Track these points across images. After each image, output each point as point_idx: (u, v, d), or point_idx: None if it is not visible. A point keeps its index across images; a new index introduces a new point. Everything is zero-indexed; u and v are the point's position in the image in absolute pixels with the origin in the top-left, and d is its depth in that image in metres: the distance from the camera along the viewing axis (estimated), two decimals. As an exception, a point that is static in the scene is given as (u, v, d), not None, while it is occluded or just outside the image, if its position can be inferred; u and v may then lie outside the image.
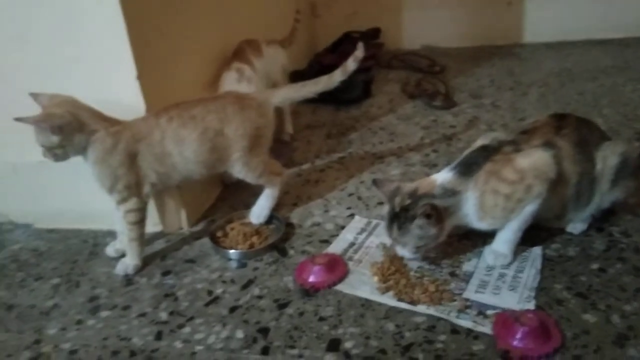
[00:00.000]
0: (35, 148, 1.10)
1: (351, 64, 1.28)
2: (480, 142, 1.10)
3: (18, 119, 1.04)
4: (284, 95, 1.31)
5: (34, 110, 1.08)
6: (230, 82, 1.50)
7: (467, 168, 1.04)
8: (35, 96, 1.10)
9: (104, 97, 1.17)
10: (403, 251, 1.07)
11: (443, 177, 1.05)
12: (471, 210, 1.04)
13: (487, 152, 1.06)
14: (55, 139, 1.08)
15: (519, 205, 1.03)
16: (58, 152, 1.10)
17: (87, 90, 1.19)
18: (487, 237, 1.14)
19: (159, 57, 1.24)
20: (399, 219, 1.03)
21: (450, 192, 1.03)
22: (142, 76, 1.16)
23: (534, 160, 1.03)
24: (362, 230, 1.27)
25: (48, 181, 1.34)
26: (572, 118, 1.14)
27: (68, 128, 1.08)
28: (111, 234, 1.31)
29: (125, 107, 1.16)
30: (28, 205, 1.42)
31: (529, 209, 1.04)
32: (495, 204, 1.03)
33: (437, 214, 1.01)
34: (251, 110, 1.22)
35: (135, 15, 1.14)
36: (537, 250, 1.12)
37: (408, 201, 1.03)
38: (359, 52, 1.28)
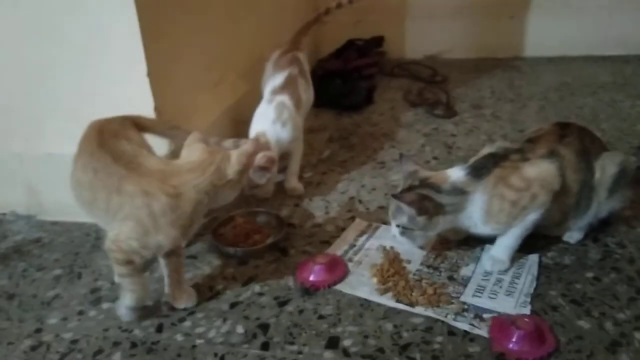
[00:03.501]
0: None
1: None
2: (486, 150, 1.13)
3: None
4: None
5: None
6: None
7: (478, 171, 1.07)
8: None
9: (115, 93, 1.19)
10: (394, 229, 1.12)
11: (456, 174, 1.08)
12: (477, 213, 1.06)
13: (496, 159, 1.08)
14: None
15: (523, 212, 1.06)
16: None
17: (99, 86, 1.21)
18: (484, 243, 1.17)
19: (168, 55, 1.26)
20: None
21: (459, 192, 1.06)
22: (152, 73, 1.18)
23: (540, 171, 1.06)
24: (363, 232, 1.28)
25: (53, 173, 1.35)
26: (575, 127, 1.17)
27: None
28: (114, 228, 1.31)
29: (135, 103, 1.18)
30: (32, 196, 1.43)
31: (531, 217, 1.06)
32: (501, 209, 1.05)
33: (425, 206, 1.05)
34: None
35: (148, 10, 1.15)
36: (534, 258, 1.14)
37: (415, 183, 1.08)
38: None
